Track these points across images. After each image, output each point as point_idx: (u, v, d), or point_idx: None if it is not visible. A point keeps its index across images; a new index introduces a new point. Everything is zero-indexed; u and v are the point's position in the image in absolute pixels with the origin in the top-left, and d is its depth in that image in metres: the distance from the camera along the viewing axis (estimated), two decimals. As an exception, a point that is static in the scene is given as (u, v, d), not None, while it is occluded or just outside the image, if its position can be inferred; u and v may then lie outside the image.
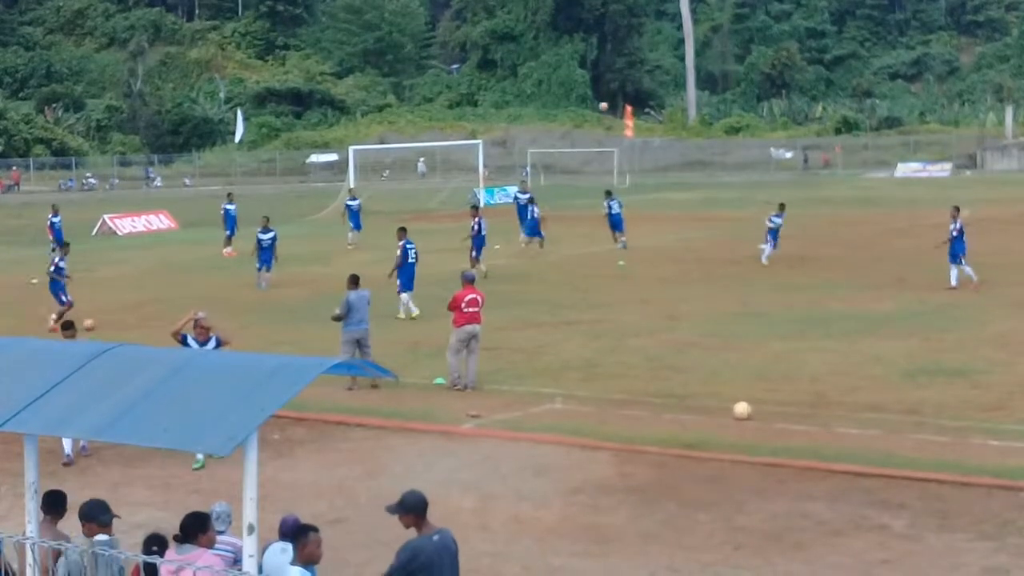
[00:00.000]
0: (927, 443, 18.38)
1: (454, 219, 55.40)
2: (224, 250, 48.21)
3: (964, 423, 19.32)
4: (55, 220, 45.70)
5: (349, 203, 52.46)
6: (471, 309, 23.04)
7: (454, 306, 23.20)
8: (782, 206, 42.86)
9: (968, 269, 33.89)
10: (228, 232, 49.09)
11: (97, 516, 9.75)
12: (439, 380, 23.14)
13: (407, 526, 10.05)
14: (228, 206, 49.99)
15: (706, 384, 22.57)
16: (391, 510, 10.12)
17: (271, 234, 38.34)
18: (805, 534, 14.62)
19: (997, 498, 15.72)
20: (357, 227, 51.34)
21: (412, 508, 10.07)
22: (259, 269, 38.26)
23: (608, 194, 49.47)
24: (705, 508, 15.68)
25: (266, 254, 38.16)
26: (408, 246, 31.40)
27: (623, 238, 47.06)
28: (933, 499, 15.75)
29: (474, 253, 39.07)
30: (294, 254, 47.67)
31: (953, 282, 33.71)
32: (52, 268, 32.25)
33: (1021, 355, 24.54)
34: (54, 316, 30.31)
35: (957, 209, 35.05)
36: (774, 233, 41.40)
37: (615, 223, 47.60)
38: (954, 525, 14.79)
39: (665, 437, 18.96)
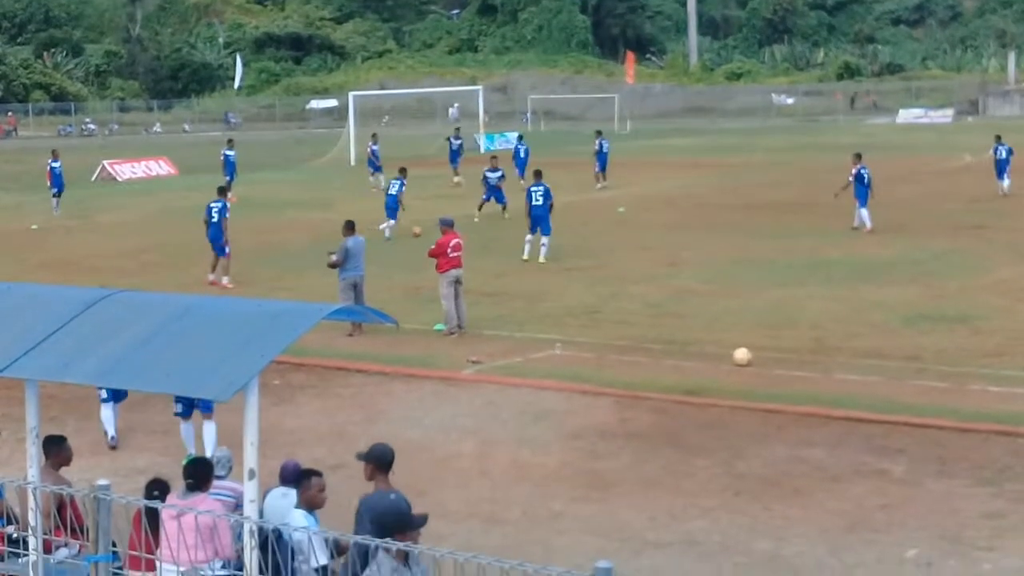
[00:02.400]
0: (927, 389, 18.40)
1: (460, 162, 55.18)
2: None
3: (964, 369, 19.34)
4: (55, 165, 45.55)
5: (373, 147, 52.28)
6: (456, 254, 23.05)
7: (439, 252, 23.11)
8: (998, 137, 43.13)
9: (865, 213, 34.96)
10: (228, 178, 49.02)
11: (406, 526, 8.54)
12: (439, 326, 23.14)
13: (367, 477, 9.88)
14: (228, 152, 49.90)
15: (706, 331, 22.57)
16: (359, 456, 10.01)
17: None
18: (804, 480, 14.66)
19: (996, 444, 15.76)
20: (377, 170, 51.61)
21: (374, 458, 9.89)
22: (394, 218, 36.42)
23: (598, 133, 50.33)
24: (705, 454, 15.72)
25: (394, 201, 36.77)
26: (532, 189, 31.67)
27: (604, 181, 48.11)
28: (932, 445, 15.78)
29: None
30: (294, 200, 47.69)
31: (855, 223, 35.01)
32: (214, 214, 28.95)
33: (1022, 301, 24.54)
34: (225, 278, 28.52)
35: (858, 156, 36.14)
36: (1000, 165, 41.82)
37: (602, 163, 48.95)
38: (953, 471, 14.83)
39: (665, 383, 18.99)
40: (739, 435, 16.42)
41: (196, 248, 29.74)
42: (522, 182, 48.74)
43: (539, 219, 31.10)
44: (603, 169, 49.06)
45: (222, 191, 30.03)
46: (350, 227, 23.77)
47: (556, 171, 52.41)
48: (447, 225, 23.54)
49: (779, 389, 18.47)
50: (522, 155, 50.37)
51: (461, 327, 22.95)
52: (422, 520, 8.50)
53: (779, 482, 14.59)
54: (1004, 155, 42.08)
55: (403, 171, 37.90)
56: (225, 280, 28.50)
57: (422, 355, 21.26)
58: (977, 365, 19.59)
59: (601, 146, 49.28)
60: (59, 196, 45.33)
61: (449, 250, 22.99)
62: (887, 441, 15.96)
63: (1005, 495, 13.98)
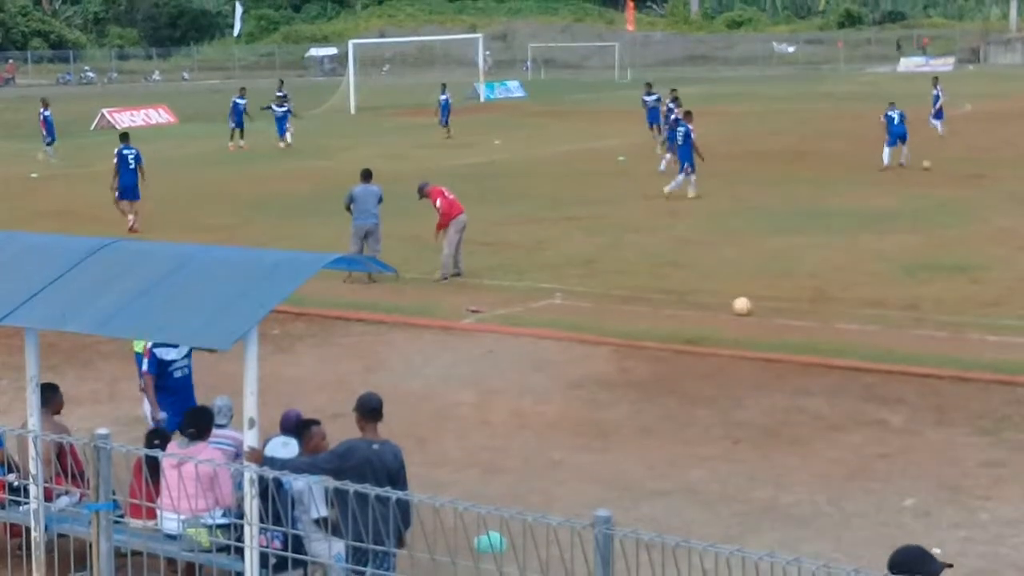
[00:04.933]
0: (926, 338, 18.42)
1: (453, 114, 55.02)
2: (239, 143, 48.18)
3: (963, 319, 19.34)
4: (47, 114, 45.47)
5: (237, 99, 50.02)
6: (453, 195, 23.37)
7: (442, 204, 23.07)
8: (935, 80, 44.08)
9: (887, 152, 36.92)
10: (234, 126, 48.83)
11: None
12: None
13: (359, 428, 9.84)
14: (238, 100, 49.60)
15: (706, 280, 22.56)
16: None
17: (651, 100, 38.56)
18: (803, 429, 14.68)
19: (995, 393, 15.77)
20: (280, 132, 49.74)
21: (359, 408, 9.84)
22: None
23: (648, 85, 50.63)
24: (704, 403, 15.74)
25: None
26: (675, 130, 34.73)
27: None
28: (931, 394, 15.80)
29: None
30: (294, 148, 47.57)
31: (901, 160, 36.89)
32: (131, 161, 28.86)
33: (1021, 251, 24.54)
34: (132, 216, 28.52)
35: (892, 104, 38.21)
36: (938, 107, 44.35)
37: (652, 117, 48.19)
38: (952, 420, 14.86)
39: (665, 333, 18.99)
40: (738, 384, 16.44)
41: (197, 196, 29.65)
42: (444, 130, 51.40)
43: (682, 158, 33.12)
44: (656, 121, 46.62)
45: (124, 137, 30.23)
46: (362, 175, 23.99)
47: (552, 120, 52.44)
48: (427, 185, 23.84)
49: (778, 338, 18.47)
50: (444, 104, 53.62)
51: (459, 274, 22.98)
52: (939, 567, 6.69)
53: (778, 431, 14.61)
54: (652, 104, 46.17)
55: (674, 93, 40.82)
56: (133, 219, 28.63)
57: (422, 304, 21.26)
58: (976, 314, 19.60)
59: (645, 102, 48.24)
60: (51, 145, 45.34)
61: (446, 192, 23.19)
62: (886, 390, 15.99)
63: (1004, 444, 14.01)
